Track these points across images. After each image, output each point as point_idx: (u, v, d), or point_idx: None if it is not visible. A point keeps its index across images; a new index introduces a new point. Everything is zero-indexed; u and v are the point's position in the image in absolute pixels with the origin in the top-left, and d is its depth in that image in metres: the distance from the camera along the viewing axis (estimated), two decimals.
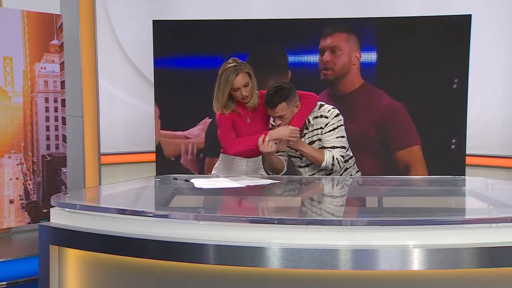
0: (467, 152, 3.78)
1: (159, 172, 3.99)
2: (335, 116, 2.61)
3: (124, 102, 4.24)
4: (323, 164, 2.56)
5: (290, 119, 2.59)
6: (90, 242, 1.69)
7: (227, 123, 2.64)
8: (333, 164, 2.57)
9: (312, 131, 2.66)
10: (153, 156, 4.06)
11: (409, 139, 3.79)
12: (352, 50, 3.79)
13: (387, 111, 3.80)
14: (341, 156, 2.59)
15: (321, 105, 2.67)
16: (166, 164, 3.98)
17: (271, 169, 2.70)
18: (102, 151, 4.14)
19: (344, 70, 3.82)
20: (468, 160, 3.80)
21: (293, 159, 2.76)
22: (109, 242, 1.66)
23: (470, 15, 3.66)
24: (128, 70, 4.24)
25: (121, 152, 4.28)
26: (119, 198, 2.15)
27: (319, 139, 2.64)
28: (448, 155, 3.75)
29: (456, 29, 3.69)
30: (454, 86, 3.71)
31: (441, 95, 3.74)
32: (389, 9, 3.92)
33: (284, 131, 2.53)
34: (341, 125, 2.62)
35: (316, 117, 2.64)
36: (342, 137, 2.62)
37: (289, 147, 2.69)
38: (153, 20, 3.90)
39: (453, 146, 3.75)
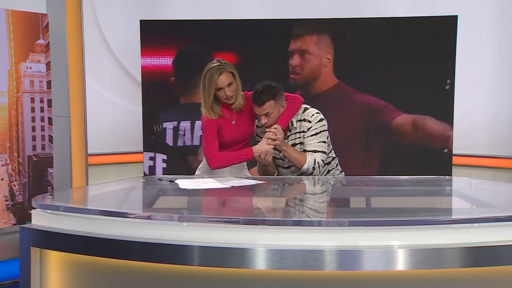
0: (455, 152, 3.80)
1: (147, 172, 3.97)
2: (318, 121, 2.62)
3: (111, 102, 4.21)
4: (305, 166, 2.57)
5: (276, 118, 2.59)
6: (72, 244, 1.67)
7: (212, 131, 2.63)
8: (314, 168, 2.58)
9: (295, 133, 2.66)
10: (141, 157, 4.04)
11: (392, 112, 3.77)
12: (323, 52, 3.77)
13: (363, 108, 3.77)
14: (321, 160, 2.60)
15: (306, 109, 2.68)
16: (154, 164, 3.96)
17: (263, 173, 2.70)
18: (89, 151, 4.10)
19: (314, 74, 3.80)
20: (456, 160, 3.82)
21: (276, 160, 2.76)
22: (91, 244, 1.64)
23: (456, 16, 3.68)
24: (115, 69, 4.21)
25: (108, 152, 4.24)
26: (102, 199, 2.14)
27: (301, 143, 2.65)
28: (435, 155, 3.77)
29: (443, 30, 3.70)
30: (441, 86, 3.72)
31: (428, 96, 3.75)
32: (375, 10, 3.92)
33: (265, 146, 2.57)
34: (324, 130, 2.63)
35: (300, 120, 2.65)
36: (324, 142, 2.62)
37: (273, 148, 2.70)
38: (140, 20, 3.88)
39: (440, 146, 3.76)
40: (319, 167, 2.59)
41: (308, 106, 2.70)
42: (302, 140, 2.64)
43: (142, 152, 4.01)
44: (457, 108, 3.76)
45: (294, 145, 2.66)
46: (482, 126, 3.97)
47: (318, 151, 2.59)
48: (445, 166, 3.71)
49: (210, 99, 2.60)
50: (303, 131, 2.63)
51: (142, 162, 4.01)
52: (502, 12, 3.87)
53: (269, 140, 2.55)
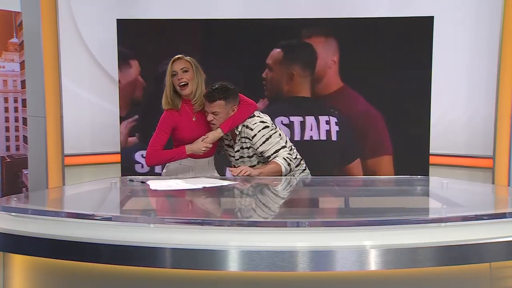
0: (432, 151, 3.83)
1: (125, 173, 3.92)
2: (262, 129, 2.63)
3: (88, 101, 4.15)
4: (283, 171, 2.58)
5: (223, 119, 2.64)
6: (36, 247, 1.63)
7: (165, 128, 2.67)
8: (289, 164, 2.59)
9: (240, 138, 2.70)
10: (118, 157, 3.99)
11: (382, 147, 3.79)
12: (328, 54, 3.75)
13: (363, 116, 3.78)
14: (288, 154, 2.63)
15: (252, 116, 2.69)
16: (132, 165, 3.91)
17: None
18: (66, 152, 4.04)
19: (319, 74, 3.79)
20: (433, 159, 3.85)
21: (243, 159, 2.77)
22: (56, 247, 1.61)
23: (433, 16, 3.70)
24: (93, 69, 4.15)
25: (86, 153, 4.18)
26: (71, 200, 2.10)
27: (249, 147, 2.69)
28: (412, 155, 3.79)
29: (419, 31, 3.72)
30: (418, 87, 3.74)
31: (404, 96, 3.77)
32: (353, 10, 3.93)
33: (198, 145, 2.63)
34: (273, 133, 2.65)
35: (244, 125, 2.67)
36: (279, 140, 2.65)
37: (231, 155, 2.75)
38: (117, 19, 3.83)
39: (417, 146, 3.78)
40: (291, 161, 2.61)
41: (256, 114, 2.71)
42: (255, 151, 2.67)
43: (119, 153, 3.97)
44: (434, 108, 3.79)
45: (242, 148, 2.71)
46: (459, 126, 4.01)
47: (279, 149, 2.61)
48: (422, 166, 3.73)
49: (169, 87, 2.66)
50: (247, 137, 2.66)
51: (120, 162, 3.96)
52: (477, 13, 3.91)
53: (206, 139, 2.63)
